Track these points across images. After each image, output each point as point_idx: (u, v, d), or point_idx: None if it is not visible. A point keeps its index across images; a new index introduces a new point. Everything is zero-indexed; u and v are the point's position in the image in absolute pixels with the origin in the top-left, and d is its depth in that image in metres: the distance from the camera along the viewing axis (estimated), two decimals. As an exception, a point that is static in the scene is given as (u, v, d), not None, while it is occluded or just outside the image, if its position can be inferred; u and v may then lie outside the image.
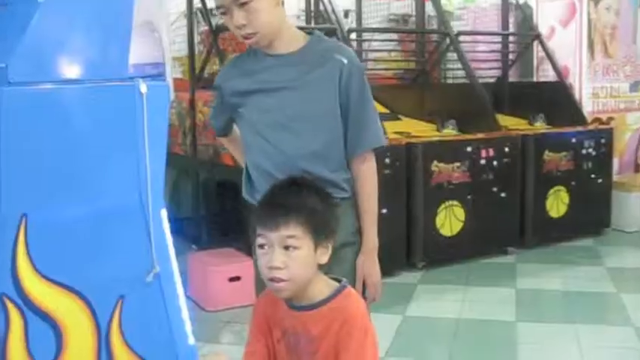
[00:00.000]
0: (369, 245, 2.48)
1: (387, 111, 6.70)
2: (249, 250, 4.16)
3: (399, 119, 6.68)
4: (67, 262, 1.70)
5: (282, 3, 2.37)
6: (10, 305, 1.62)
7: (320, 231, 1.98)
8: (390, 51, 7.68)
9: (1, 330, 1.62)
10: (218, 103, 2.61)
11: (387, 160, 5.62)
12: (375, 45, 7.44)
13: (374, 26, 8.08)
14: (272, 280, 1.93)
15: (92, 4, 1.75)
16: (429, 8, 7.46)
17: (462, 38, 7.03)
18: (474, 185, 6.03)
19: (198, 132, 6.02)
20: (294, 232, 1.93)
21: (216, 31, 5.78)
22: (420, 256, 5.90)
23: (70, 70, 1.69)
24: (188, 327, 1.89)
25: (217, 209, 6.15)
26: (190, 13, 6.07)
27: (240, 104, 2.46)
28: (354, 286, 2.38)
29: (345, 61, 2.39)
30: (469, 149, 6.00)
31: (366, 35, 7.59)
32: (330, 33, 6.20)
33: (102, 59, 1.73)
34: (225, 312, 4.94)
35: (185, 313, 1.89)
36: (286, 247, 1.93)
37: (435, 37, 7.28)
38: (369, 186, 2.49)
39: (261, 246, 1.95)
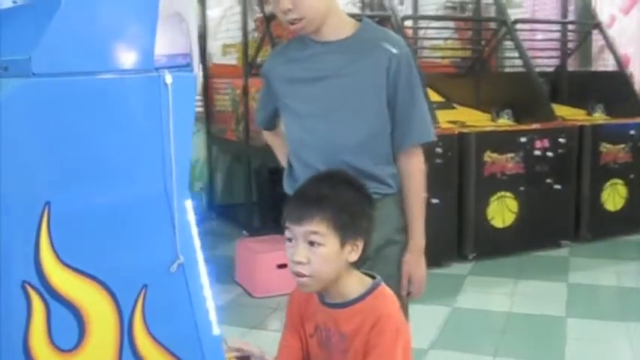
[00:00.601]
0: (415, 243, 2.44)
1: (442, 99, 6.62)
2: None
3: (453, 108, 6.59)
4: (90, 251, 1.71)
5: None
6: (32, 293, 1.64)
7: (348, 228, 1.93)
8: (446, 39, 7.57)
9: (24, 317, 1.64)
10: (264, 93, 2.59)
11: (439, 150, 5.55)
12: (430, 33, 7.33)
13: (430, 14, 7.96)
14: (296, 274, 1.92)
15: (116, -5, 1.74)
16: (488, -5, 7.35)
17: (520, 26, 6.89)
18: (528, 176, 5.91)
19: (250, 118, 6.04)
20: (318, 229, 1.90)
21: (269, 18, 5.78)
22: (471, 247, 5.83)
23: (94, 61, 1.69)
24: (212, 317, 1.89)
25: (269, 196, 6.16)
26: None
27: (286, 93, 2.43)
28: (397, 285, 2.36)
29: (395, 50, 2.33)
30: (523, 140, 5.89)
31: (421, 23, 7.49)
32: (384, 20, 6.15)
33: (126, 50, 1.73)
34: (273, 299, 4.95)
35: (210, 303, 1.89)
36: (311, 243, 1.90)
37: (492, 24, 7.14)
38: (415, 182, 2.44)
39: (289, 239, 1.93)
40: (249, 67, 6.06)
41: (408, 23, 6.93)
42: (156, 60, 1.79)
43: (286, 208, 1.98)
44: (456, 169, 5.72)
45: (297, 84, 2.40)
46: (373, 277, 2.04)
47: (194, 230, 1.85)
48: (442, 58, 7.45)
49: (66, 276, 1.68)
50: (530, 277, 5.49)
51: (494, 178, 5.81)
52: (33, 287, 1.64)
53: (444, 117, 6.00)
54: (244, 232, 6.15)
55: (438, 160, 5.52)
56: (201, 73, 6.42)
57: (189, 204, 1.84)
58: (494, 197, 5.83)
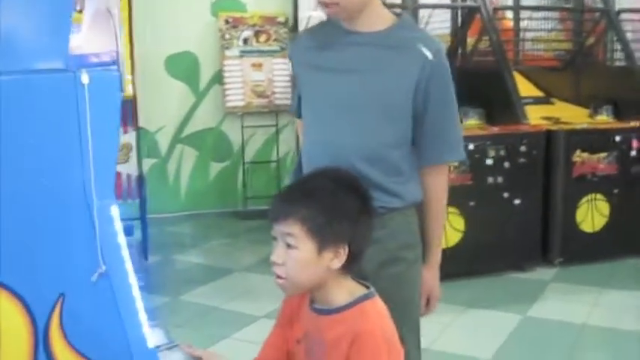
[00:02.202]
0: (433, 261, 2.35)
1: (541, 94, 6.28)
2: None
3: (551, 103, 6.24)
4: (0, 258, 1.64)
5: None
6: None
7: (325, 233, 1.76)
8: (549, 30, 7.16)
9: None
10: (294, 77, 2.45)
11: (523, 148, 5.25)
12: (530, 24, 6.95)
13: (530, 4, 7.54)
14: (275, 274, 1.80)
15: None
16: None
17: (625, 16, 6.42)
18: (622, 178, 5.51)
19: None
20: (291, 230, 1.76)
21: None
22: (558, 252, 5.48)
23: (4, 60, 1.62)
24: (146, 329, 1.78)
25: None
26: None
27: (306, 81, 2.29)
28: (407, 300, 2.24)
29: (430, 56, 2.14)
30: (618, 138, 5.47)
31: (523, 14, 7.11)
32: (474, 11, 5.88)
33: (35, 50, 1.65)
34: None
35: (142, 315, 1.78)
36: (287, 244, 1.77)
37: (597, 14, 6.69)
38: (438, 201, 2.32)
39: (273, 237, 1.81)
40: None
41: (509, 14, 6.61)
42: (85, 58, 1.71)
43: (270, 204, 1.85)
44: (542, 168, 5.39)
45: (319, 72, 2.24)
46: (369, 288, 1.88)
47: (121, 238, 1.75)
48: (545, 50, 7.04)
49: (-28, 284, 1.62)
50: (618, 287, 5.10)
51: (584, 179, 5.44)
52: None
53: (538, 113, 5.69)
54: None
55: (522, 160, 5.23)
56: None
57: (114, 210, 1.74)
58: (584, 199, 5.46)
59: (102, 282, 1.72)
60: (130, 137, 5.81)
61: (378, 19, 2.20)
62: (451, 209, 4.85)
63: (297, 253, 1.77)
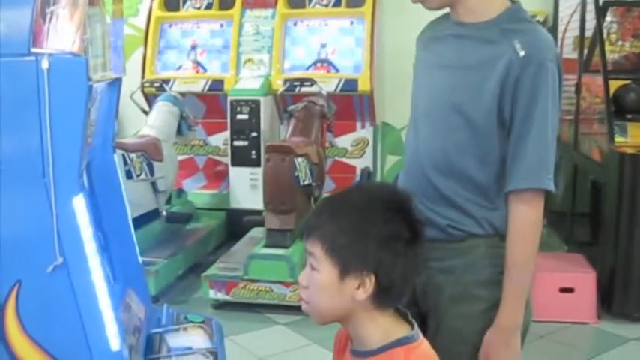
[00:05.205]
0: (502, 319, 1.87)
1: None
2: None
3: None
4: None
5: None
6: None
7: (347, 255, 1.50)
8: None
9: None
10: None
11: None
12: None
13: None
14: None
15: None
16: None
17: None
18: None
19: (579, 120, 5.35)
20: (313, 250, 1.53)
21: (603, 7, 5.04)
22: None
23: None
24: (111, 332, 1.69)
25: (589, 209, 5.40)
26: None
27: (414, 78, 2.07)
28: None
29: (522, 53, 1.79)
30: None
31: None
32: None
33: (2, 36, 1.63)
34: (547, 324, 4.36)
35: (109, 316, 1.69)
36: (311, 266, 1.55)
37: None
38: (512, 237, 1.86)
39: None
40: (585, 62, 5.36)
41: None
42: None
43: None
44: None
45: (423, 69, 2.04)
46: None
47: (85, 231, 1.68)
48: None
49: None
50: None
51: None
52: None
53: None
54: (564, 245, 5.50)
55: None
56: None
57: (78, 201, 1.67)
58: None
59: (59, 274, 1.66)
60: (367, 132, 5.75)
61: (486, 6, 1.89)
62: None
63: (318, 276, 1.52)
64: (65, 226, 1.65)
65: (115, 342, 1.70)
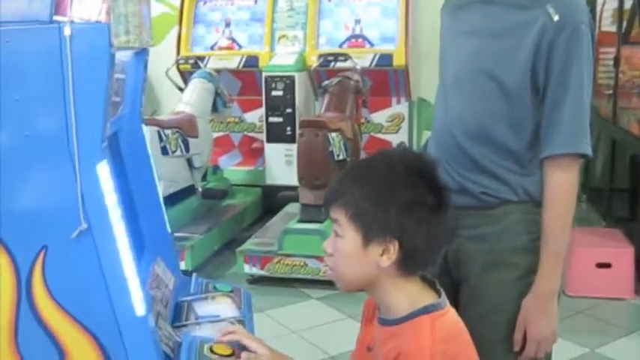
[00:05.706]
0: (540, 285, 1.87)
1: None
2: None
3: None
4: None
5: None
6: None
7: (370, 221, 1.49)
8: None
9: None
10: None
11: None
12: None
13: None
14: None
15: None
16: None
17: None
18: None
19: (619, 94, 5.25)
20: (337, 216, 1.53)
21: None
22: None
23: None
24: (137, 298, 1.70)
25: (628, 185, 5.32)
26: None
27: (441, 45, 2.08)
28: (496, 327, 1.90)
29: (556, 17, 1.78)
30: None
31: None
32: None
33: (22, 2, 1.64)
34: (584, 299, 4.32)
35: (134, 282, 1.70)
36: (336, 233, 1.56)
37: None
38: (553, 204, 1.85)
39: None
40: (624, 35, 5.25)
41: None
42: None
43: None
44: None
45: (450, 37, 2.04)
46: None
47: (109, 198, 1.68)
48: None
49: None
50: None
51: None
52: None
53: None
54: (602, 221, 5.42)
55: None
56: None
57: (102, 168, 1.68)
58: None
59: (84, 240, 1.67)
60: (402, 107, 5.72)
61: None
62: None
63: (343, 242, 1.52)
64: (89, 193, 1.65)
65: (140, 308, 1.70)
